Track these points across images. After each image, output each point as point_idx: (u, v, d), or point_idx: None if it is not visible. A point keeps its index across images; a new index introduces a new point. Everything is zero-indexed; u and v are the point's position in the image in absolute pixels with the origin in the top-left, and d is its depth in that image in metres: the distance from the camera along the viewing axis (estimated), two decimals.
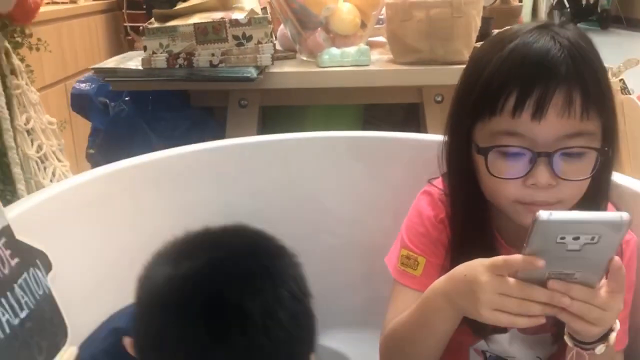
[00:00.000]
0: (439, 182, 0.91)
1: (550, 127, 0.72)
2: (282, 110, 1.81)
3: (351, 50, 1.54)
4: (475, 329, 0.75)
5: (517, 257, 0.64)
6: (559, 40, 0.73)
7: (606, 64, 0.78)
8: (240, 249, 0.63)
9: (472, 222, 0.84)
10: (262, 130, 1.80)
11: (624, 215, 0.59)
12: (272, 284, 0.59)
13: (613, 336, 0.68)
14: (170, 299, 0.58)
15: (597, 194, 0.79)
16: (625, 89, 1.47)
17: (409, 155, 1.19)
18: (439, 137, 1.18)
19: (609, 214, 0.60)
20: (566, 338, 0.70)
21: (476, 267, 0.68)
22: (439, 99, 1.59)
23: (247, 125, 1.60)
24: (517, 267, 0.64)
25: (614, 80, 1.20)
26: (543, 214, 0.59)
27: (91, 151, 1.65)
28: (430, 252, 0.87)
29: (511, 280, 0.65)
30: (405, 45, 1.54)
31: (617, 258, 0.63)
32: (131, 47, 2.69)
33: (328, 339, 1.30)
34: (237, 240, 0.64)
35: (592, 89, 0.72)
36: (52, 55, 2.10)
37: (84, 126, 2.14)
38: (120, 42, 2.97)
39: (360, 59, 1.54)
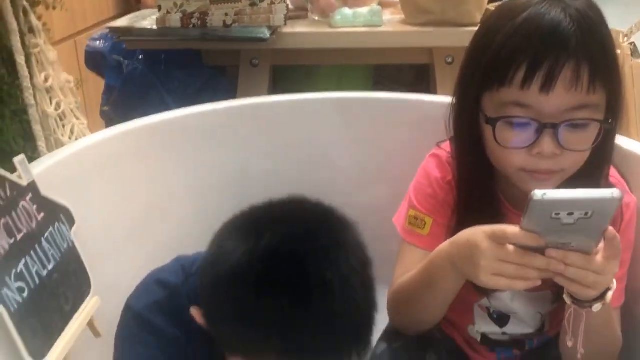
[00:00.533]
0: (447, 145, 0.94)
1: (558, 100, 0.74)
2: (293, 70, 1.81)
3: (363, 10, 1.54)
4: (477, 287, 0.79)
5: (516, 230, 0.67)
6: (570, 13, 0.74)
7: (617, 27, 0.80)
8: (311, 222, 0.68)
9: (478, 185, 0.87)
10: (273, 89, 1.81)
11: (615, 192, 0.62)
12: (344, 253, 0.65)
13: (609, 295, 0.72)
14: (251, 272, 0.63)
15: (599, 161, 0.82)
16: (635, 53, 1.47)
17: (418, 116, 1.21)
18: (448, 99, 1.21)
19: (601, 192, 0.62)
20: (565, 297, 0.74)
21: (478, 233, 0.71)
22: (450, 60, 1.60)
23: (258, 85, 1.62)
24: (515, 240, 0.67)
25: (624, 45, 1.20)
26: (537, 193, 0.62)
27: (105, 108, 1.68)
28: (437, 212, 0.90)
29: (510, 247, 0.68)
30: (417, 7, 1.54)
31: (611, 228, 0.66)
32: (138, 1, 2.68)
33: None
34: (306, 214, 0.70)
35: (600, 61, 0.74)
36: (62, 11, 2.10)
37: (94, 82, 2.15)
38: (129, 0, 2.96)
39: (372, 19, 1.55)
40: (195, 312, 0.71)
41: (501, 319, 0.95)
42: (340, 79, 1.88)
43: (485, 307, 0.95)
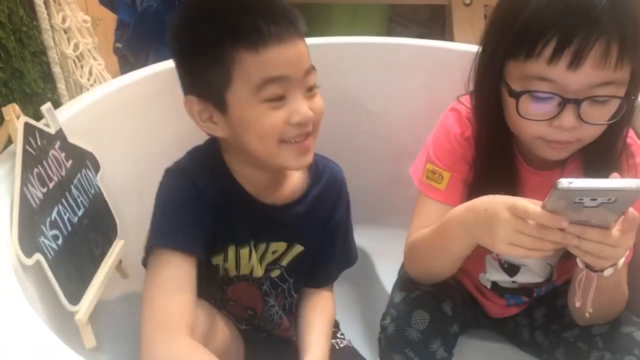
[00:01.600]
0: (466, 99, 0.94)
1: (585, 77, 0.74)
2: (307, 8, 1.78)
3: None
4: None
5: (538, 210, 0.69)
6: None
7: None
8: None
9: (495, 144, 0.89)
10: None
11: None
12: None
13: (621, 261, 0.74)
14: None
15: (616, 129, 0.83)
16: None
17: (438, 62, 1.21)
18: (468, 47, 1.20)
19: (626, 182, 0.63)
20: (578, 261, 0.77)
21: (498, 203, 0.73)
22: (468, 1, 1.58)
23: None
24: (536, 219, 0.69)
25: None
26: (563, 182, 0.62)
27: (118, 45, 1.66)
28: (455, 167, 0.92)
29: (530, 221, 0.70)
30: None
31: (631, 210, 0.67)
32: None
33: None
34: None
35: (630, 38, 0.73)
36: None
37: (104, 16, 2.12)
38: None
39: None
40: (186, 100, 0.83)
41: (512, 269, 0.99)
42: (354, 18, 1.86)
43: (496, 258, 0.99)
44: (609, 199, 0.64)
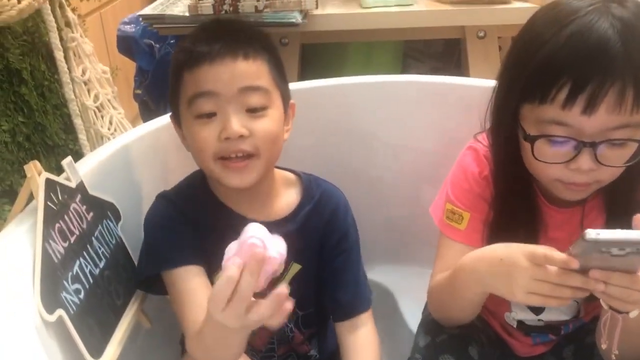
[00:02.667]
0: (484, 137, 0.93)
1: (599, 121, 0.73)
2: (322, 47, 1.80)
3: None
4: None
5: (558, 255, 0.67)
6: (616, 26, 0.71)
7: None
8: None
9: (514, 183, 0.87)
10: (302, 65, 1.81)
11: None
12: None
13: None
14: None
15: (637, 170, 0.80)
16: None
17: (454, 98, 1.21)
18: (484, 83, 1.20)
19: None
20: (602, 302, 0.74)
21: (515, 252, 0.72)
22: (482, 34, 1.58)
23: (288, 64, 1.60)
24: (556, 264, 0.68)
25: None
26: (591, 233, 0.61)
27: (138, 91, 1.69)
28: (474, 207, 0.91)
29: (550, 268, 0.69)
30: None
31: None
32: None
33: (373, 273, 1.37)
34: None
35: None
36: None
37: (123, 64, 2.17)
38: None
39: None
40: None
41: (537, 307, 0.97)
42: (369, 54, 1.87)
43: None
44: (638, 250, 0.62)
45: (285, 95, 0.90)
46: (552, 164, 0.78)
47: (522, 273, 0.71)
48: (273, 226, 0.88)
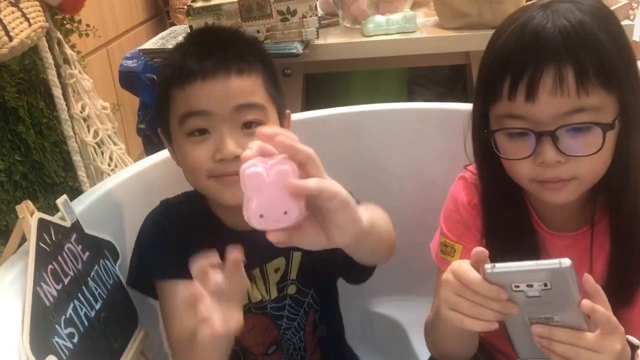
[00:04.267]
0: (473, 167, 0.90)
1: (545, 107, 0.71)
2: (326, 77, 1.79)
3: (397, 17, 1.51)
4: None
5: (476, 277, 0.64)
6: (554, 19, 0.71)
7: None
8: None
9: (503, 203, 0.84)
10: (307, 94, 1.80)
11: (563, 262, 0.59)
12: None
13: None
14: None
15: (627, 164, 0.77)
16: None
17: (463, 125, 1.18)
18: None
19: (547, 262, 0.60)
20: None
21: (450, 267, 0.69)
22: None
23: (292, 95, 1.60)
24: (473, 287, 0.64)
25: None
26: (487, 267, 0.62)
27: (141, 126, 1.68)
28: (466, 238, 0.88)
29: (471, 281, 0.65)
30: (452, 9, 1.49)
31: (586, 301, 0.62)
32: (166, 4, 2.68)
33: (382, 306, 1.33)
34: None
35: (592, 64, 0.70)
36: (93, 21, 2.11)
37: (130, 102, 2.16)
38: (157, 3, 2.97)
39: (406, 25, 1.51)
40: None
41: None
42: (374, 82, 1.86)
43: None
44: (545, 284, 0.60)
45: (281, 107, 0.87)
46: (519, 160, 0.75)
47: (446, 286, 0.67)
48: (258, 232, 0.86)
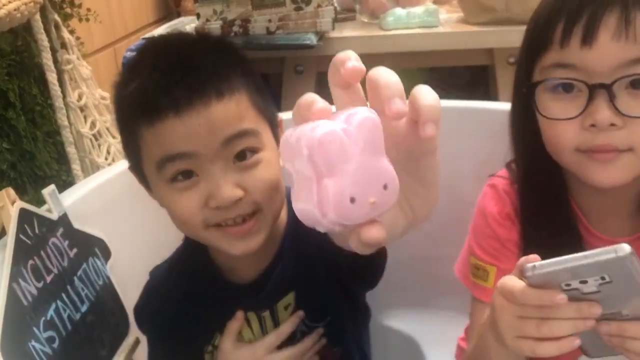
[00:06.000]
0: (504, 172, 0.80)
1: (605, 53, 0.61)
2: None
3: (418, 10, 1.43)
4: None
5: (520, 285, 0.53)
6: None
7: None
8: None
9: (545, 201, 0.72)
10: (319, 96, 1.71)
11: (620, 249, 0.48)
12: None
13: None
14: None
15: None
16: None
17: (489, 126, 1.09)
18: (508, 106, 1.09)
19: (600, 252, 0.49)
20: None
21: (497, 289, 0.57)
22: (513, 60, 1.47)
23: (303, 92, 1.51)
24: (522, 299, 0.53)
25: None
26: (527, 269, 0.52)
27: None
28: (501, 255, 0.76)
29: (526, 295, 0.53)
30: (478, 4, 1.41)
31: None
32: (177, 5, 2.62)
33: (393, 319, 1.25)
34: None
35: None
36: (101, 19, 2.06)
37: None
38: (166, 2, 2.92)
39: (428, 19, 1.43)
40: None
41: None
42: None
43: None
44: (602, 278, 0.50)
45: (273, 120, 0.73)
46: (564, 121, 0.64)
47: (503, 314, 0.56)
48: (263, 282, 0.75)
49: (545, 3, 0.67)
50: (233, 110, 0.65)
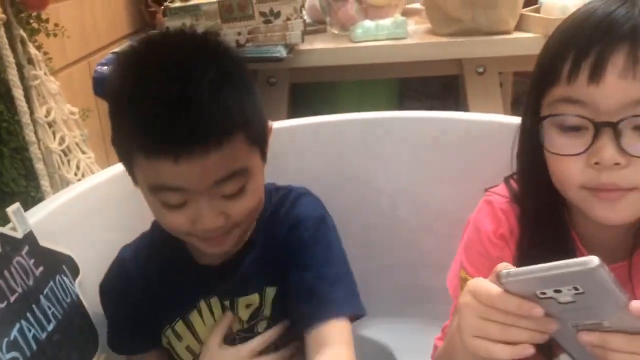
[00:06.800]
0: (501, 189, 0.80)
1: (612, 91, 0.61)
2: (313, 86, 1.73)
3: (386, 22, 1.44)
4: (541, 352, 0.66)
5: (500, 291, 0.55)
6: (633, 3, 0.62)
7: None
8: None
9: (544, 223, 0.72)
10: (293, 106, 1.72)
11: (589, 262, 0.49)
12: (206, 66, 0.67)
13: None
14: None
15: None
16: None
17: (458, 136, 1.11)
18: (486, 117, 1.10)
19: (570, 263, 0.50)
20: None
21: (466, 288, 0.59)
22: (481, 70, 1.49)
23: (277, 104, 1.53)
24: (500, 305, 0.55)
25: None
26: (502, 275, 0.53)
27: None
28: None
29: (495, 297, 0.55)
30: (445, 15, 1.43)
31: (636, 302, 0.51)
32: (153, 18, 2.61)
33: (367, 329, 1.25)
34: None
35: None
36: (74, 32, 2.04)
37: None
38: (142, 15, 2.90)
39: (396, 31, 1.44)
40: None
41: None
42: (362, 94, 1.79)
43: None
44: (576, 288, 0.50)
45: (264, 138, 0.76)
46: (569, 157, 0.64)
47: (466, 311, 0.57)
48: (230, 265, 0.79)
49: (555, 36, 0.67)
50: (228, 154, 0.68)
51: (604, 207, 0.64)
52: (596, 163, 0.62)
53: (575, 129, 0.63)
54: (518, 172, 0.76)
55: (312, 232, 0.80)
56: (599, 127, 0.61)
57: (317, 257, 0.79)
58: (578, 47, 0.62)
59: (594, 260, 0.49)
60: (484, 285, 0.57)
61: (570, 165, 0.64)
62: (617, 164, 0.61)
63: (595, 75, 0.61)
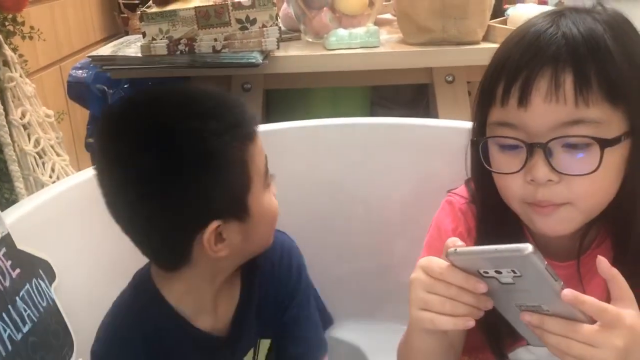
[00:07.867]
0: (462, 190, 0.84)
1: (539, 114, 0.65)
2: (286, 93, 1.75)
3: (359, 31, 1.47)
4: (495, 351, 0.70)
5: (448, 265, 0.61)
6: (562, 24, 0.66)
7: None
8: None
9: (500, 227, 0.76)
10: (267, 112, 1.74)
11: (523, 249, 0.54)
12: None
13: None
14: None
15: (636, 194, 0.69)
16: None
17: (429, 142, 1.15)
18: (462, 124, 1.14)
19: (508, 248, 0.55)
20: None
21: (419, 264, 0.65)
22: (450, 79, 1.53)
23: (251, 109, 1.54)
24: (450, 279, 0.61)
25: None
26: (450, 251, 0.59)
27: (90, 140, 1.59)
28: None
29: (443, 270, 0.61)
30: (416, 25, 1.47)
31: (567, 291, 0.56)
32: (125, 24, 2.60)
33: (340, 331, 1.27)
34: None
35: (596, 73, 0.64)
36: (46, 36, 2.03)
37: (82, 113, 2.07)
38: (115, 21, 2.88)
39: (369, 40, 1.47)
40: None
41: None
42: (336, 101, 1.82)
43: None
44: (513, 271, 0.56)
45: None
46: (509, 175, 0.69)
47: (415, 285, 0.63)
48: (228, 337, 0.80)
49: (493, 60, 0.71)
50: None
51: (542, 220, 0.69)
52: (531, 180, 0.67)
53: (513, 147, 0.68)
54: (472, 178, 0.81)
55: (298, 282, 0.86)
56: (530, 148, 0.66)
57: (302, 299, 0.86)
58: (508, 72, 0.67)
59: (528, 247, 0.54)
60: (435, 260, 0.62)
61: (511, 181, 0.69)
62: (550, 180, 0.66)
63: (523, 99, 0.65)
